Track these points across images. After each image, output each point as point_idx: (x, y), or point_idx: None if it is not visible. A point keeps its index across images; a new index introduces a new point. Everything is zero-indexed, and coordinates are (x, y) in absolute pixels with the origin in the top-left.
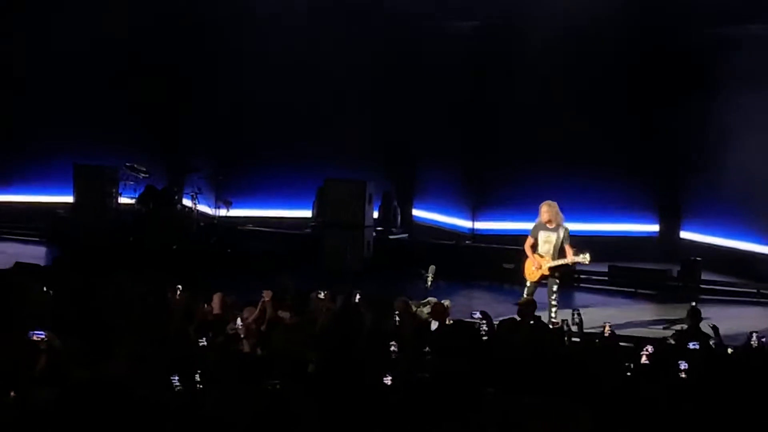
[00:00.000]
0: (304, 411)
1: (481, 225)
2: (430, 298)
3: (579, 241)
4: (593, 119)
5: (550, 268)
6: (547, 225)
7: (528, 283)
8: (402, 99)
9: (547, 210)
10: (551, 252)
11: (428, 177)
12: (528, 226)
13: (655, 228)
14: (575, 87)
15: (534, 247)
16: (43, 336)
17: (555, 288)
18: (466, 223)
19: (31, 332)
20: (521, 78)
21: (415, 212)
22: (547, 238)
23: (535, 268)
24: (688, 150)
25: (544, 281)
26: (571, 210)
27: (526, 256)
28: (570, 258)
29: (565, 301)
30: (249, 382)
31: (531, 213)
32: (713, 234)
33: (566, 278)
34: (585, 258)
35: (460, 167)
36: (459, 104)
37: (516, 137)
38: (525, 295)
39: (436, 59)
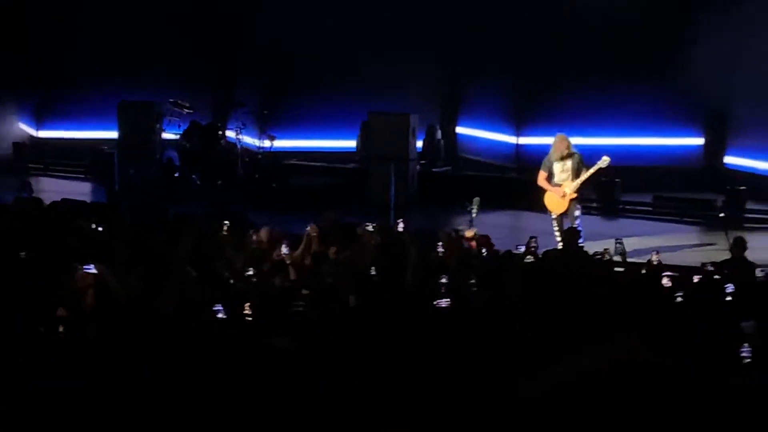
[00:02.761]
0: (340, 342)
1: (525, 140)
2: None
3: (618, 172)
4: (634, 27)
5: (577, 190)
6: (561, 155)
7: (554, 216)
8: (446, 22)
9: (560, 141)
10: (570, 178)
11: (472, 94)
12: (572, 140)
13: (700, 141)
14: None
15: (549, 180)
16: (93, 270)
17: (578, 212)
18: (510, 139)
19: (82, 266)
20: None
21: (460, 129)
22: (563, 167)
23: (559, 196)
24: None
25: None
26: (614, 122)
27: (544, 191)
28: (591, 170)
29: (608, 231)
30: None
31: (575, 127)
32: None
33: (610, 208)
34: (604, 161)
35: (504, 83)
36: (500, 18)
37: (559, 50)
38: (556, 229)
39: None
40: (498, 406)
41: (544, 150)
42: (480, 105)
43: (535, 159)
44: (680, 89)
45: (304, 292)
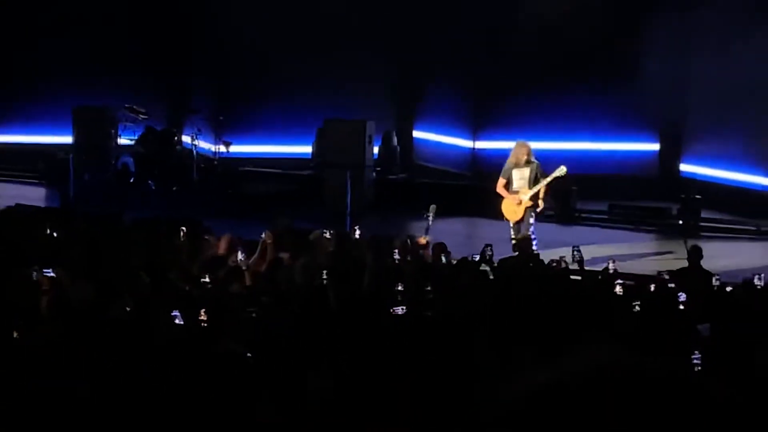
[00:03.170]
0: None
1: (481, 144)
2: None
3: (575, 180)
4: (592, 33)
5: (532, 197)
6: (519, 163)
7: (512, 224)
8: (401, 26)
9: (519, 148)
10: (527, 186)
11: (429, 98)
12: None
13: (655, 147)
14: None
15: (507, 188)
16: (51, 274)
17: (532, 221)
18: (466, 143)
19: (39, 270)
20: None
21: (416, 134)
22: (521, 174)
23: (515, 204)
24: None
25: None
26: (570, 128)
27: (501, 198)
28: (547, 179)
29: (564, 239)
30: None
31: (531, 132)
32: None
33: (566, 215)
34: (561, 171)
35: (462, 87)
36: (459, 26)
37: (516, 55)
38: (513, 237)
39: None
40: (478, 411)
41: (499, 154)
42: (436, 109)
43: (490, 163)
44: (636, 96)
45: (262, 298)
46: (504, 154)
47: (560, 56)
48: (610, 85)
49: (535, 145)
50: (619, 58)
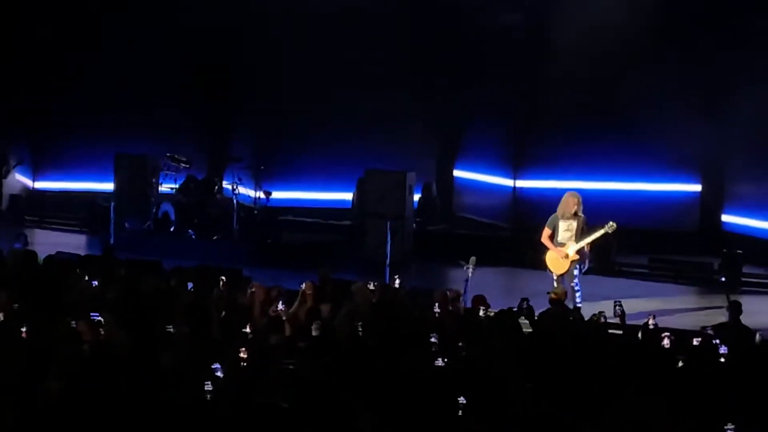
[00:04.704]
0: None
1: (523, 183)
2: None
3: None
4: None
5: (578, 251)
6: (567, 215)
7: (555, 276)
8: (440, 67)
9: (571, 199)
10: (573, 239)
11: (470, 137)
12: (567, 185)
13: (697, 188)
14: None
15: (552, 238)
16: (98, 318)
17: (576, 273)
18: (507, 182)
19: (89, 314)
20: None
21: (457, 173)
22: (567, 226)
23: (561, 257)
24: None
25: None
26: (610, 167)
27: (545, 249)
28: (595, 234)
29: (604, 292)
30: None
31: (572, 171)
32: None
33: (606, 268)
34: (610, 227)
35: (503, 125)
36: (502, 70)
37: (555, 93)
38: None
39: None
40: None
41: (540, 193)
42: (477, 148)
43: (531, 203)
44: (675, 137)
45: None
46: (544, 194)
47: (598, 94)
48: (651, 127)
49: (575, 184)
50: (657, 95)
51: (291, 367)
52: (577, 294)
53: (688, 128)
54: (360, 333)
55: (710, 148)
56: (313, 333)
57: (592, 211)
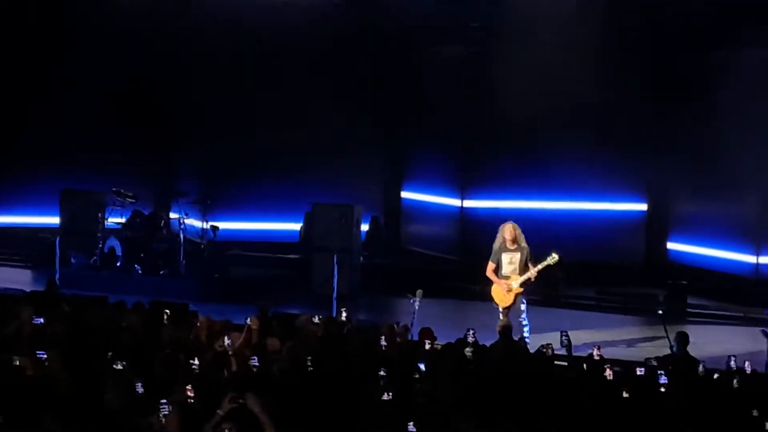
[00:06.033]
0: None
1: (470, 203)
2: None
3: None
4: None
5: (522, 284)
6: (509, 246)
7: (501, 309)
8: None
9: (510, 230)
10: (517, 272)
11: (418, 157)
12: (514, 204)
13: (642, 207)
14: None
15: (496, 271)
16: (44, 356)
17: (523, 307)
18: (455, 202)
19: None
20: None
21: (405, 194)
22: (510, 258)
23: (505, 290)
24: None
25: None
26: (557, 187)
27: (491, 283)
28: (538, 267)
29: (552, 323)
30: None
31: (518, 191)
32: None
33: (553, 300)
34: (553, 258)
35: (449, 146)
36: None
37: (503, 114)
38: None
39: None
40: None
41: (488, 213)
42: (424, 169)
43: (479, 222)
44: (621, 159)
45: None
46: (492, 213)
47: (548, 115)
48: (598, 145)
49: (522, 204)
50: (607, 119)
51: (240, 402)
52: (525, 328)
53: (633, 151)
54: (309, 368)
55: (655, 170)
56: (255, 368)
57: (539, 232)
